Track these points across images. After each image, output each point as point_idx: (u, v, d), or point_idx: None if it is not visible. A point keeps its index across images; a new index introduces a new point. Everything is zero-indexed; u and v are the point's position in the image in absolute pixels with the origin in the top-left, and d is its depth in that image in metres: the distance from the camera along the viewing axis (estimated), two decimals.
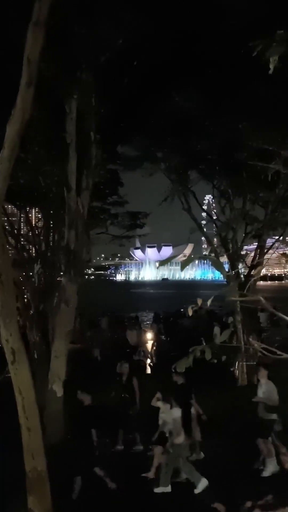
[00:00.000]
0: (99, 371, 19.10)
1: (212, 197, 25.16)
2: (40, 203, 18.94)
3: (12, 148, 7.98)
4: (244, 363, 20.49)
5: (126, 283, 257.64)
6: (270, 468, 12.10)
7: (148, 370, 23.50)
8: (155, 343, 27.16)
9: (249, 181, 19.29)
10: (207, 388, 15.73)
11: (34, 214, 26.31)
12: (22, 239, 20.98)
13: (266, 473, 12.03)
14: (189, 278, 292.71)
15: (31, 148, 15.26)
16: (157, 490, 11.20)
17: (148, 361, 24.57)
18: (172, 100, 14.75)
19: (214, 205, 26.92)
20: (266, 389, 12.58)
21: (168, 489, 11.22)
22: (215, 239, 26.20)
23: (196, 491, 11.14)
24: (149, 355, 24.83)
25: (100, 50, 12.34)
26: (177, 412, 11.71)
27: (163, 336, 30.61)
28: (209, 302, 4.74)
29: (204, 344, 4.74)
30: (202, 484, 11.21)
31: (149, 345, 27.04)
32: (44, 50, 7.82)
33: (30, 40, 7.53)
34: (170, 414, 11.75)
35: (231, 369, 22.01)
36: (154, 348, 26.26)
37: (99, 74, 12.67)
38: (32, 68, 7.64)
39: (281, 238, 22.30)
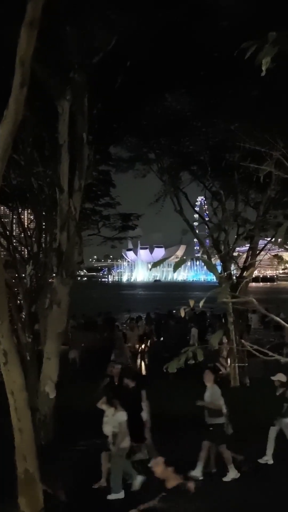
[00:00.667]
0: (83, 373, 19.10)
1: (204, 198, 25.22)
2: (33, 205, 18.92)
3: (5, 149, 7.97)
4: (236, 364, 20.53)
5: (118, 284, 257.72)
6: (231, 474, 11.93)
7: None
8: (147, 344, 27.19)
9: (241, 183, 19.36)
10: (199, 389, 15.72)
11: (26, 216, 26.25)
12: (14, 241, 20.94)
13: (227, 478, 11.85)
14: (182, 279, 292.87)
15: (24, 149, 15.25)
16: (110, 497, 11.06)
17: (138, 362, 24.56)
18: (164, 101, 14.79)
19: (206, 206, 26.93)
20: (210, 393, 12.47)
21: (121, 495, 11.11)
22: (207, 241, 26.27)
23: (133, 488, 11.14)
24: (130, 357, 24.69)
25: (92, 51, 12.34)
26: (122, 416, 11.51)
27: (155, 337, 30.64)
28: (201, 304, 4.75)
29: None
30: (139, 480, 11.24)
31: (131, 346, 26.87)
32: (37, 51, 7.82)
33: (23, 41, 7.51)
34: (115, 418, 11.55)
35: (220, 372, 22.03)
36: (146, 349, 26.30)
37: (91, 75, 12.67)
38: (25, 69, 7.63)
39: (273, 239, 22.33)
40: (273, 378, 13.10)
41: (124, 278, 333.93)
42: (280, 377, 12.98)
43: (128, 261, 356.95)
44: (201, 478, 11.64)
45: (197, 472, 11.90)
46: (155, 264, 5.34)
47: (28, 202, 19.16)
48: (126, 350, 25.16)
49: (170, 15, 11.48)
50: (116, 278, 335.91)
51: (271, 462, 12.69)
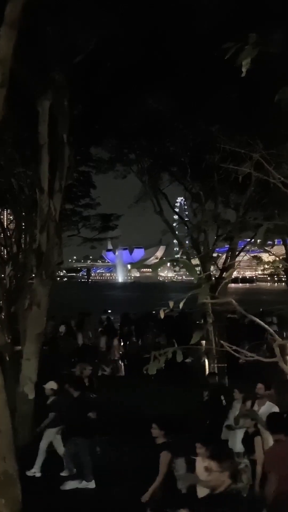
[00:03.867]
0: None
1: (184, 199, 25.29)
2: (12, 205, 18.85)
3: None
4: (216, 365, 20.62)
5: (98, 285, 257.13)
6: None
7: None
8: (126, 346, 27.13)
9: (221, 184, 19.41)
10: (175, 390, 15.73)
11: (6, 216, 26.10)
12: None
13: None
14: (162, 279, 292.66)
15: (3, 149, 15.19)
16: None
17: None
18: (144, 102, 14.80)
19: (186, 207, 27.02)
20: None
21: None
22: (186, 242, 26.34)
23: None
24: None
25: (73, 52, 12.32)
26: None
27: (134, 338, 30.58)
28: (181, 305, 4.77)
29: (176, 345, 4.76)
30: None
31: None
32: (17, 50, 7.79)
33: (3, 40, 7.49)
34: None
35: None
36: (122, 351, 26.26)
37: (72, 75, 12.65)
38: (4, 69, 7.60)
39: (252, 240, 22.43)
40: (44, 386, 12.86)
41: (104, 279, 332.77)
42: (51, 385, 12.78)
43: (108, 262, 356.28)
44: None
45: None
46: (135, 265, 5.35)
47: (8, 202, 19.10)
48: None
49: (151, 17, 11.52)
50: (96, 278, 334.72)
51: (38, 475, 12.39)
